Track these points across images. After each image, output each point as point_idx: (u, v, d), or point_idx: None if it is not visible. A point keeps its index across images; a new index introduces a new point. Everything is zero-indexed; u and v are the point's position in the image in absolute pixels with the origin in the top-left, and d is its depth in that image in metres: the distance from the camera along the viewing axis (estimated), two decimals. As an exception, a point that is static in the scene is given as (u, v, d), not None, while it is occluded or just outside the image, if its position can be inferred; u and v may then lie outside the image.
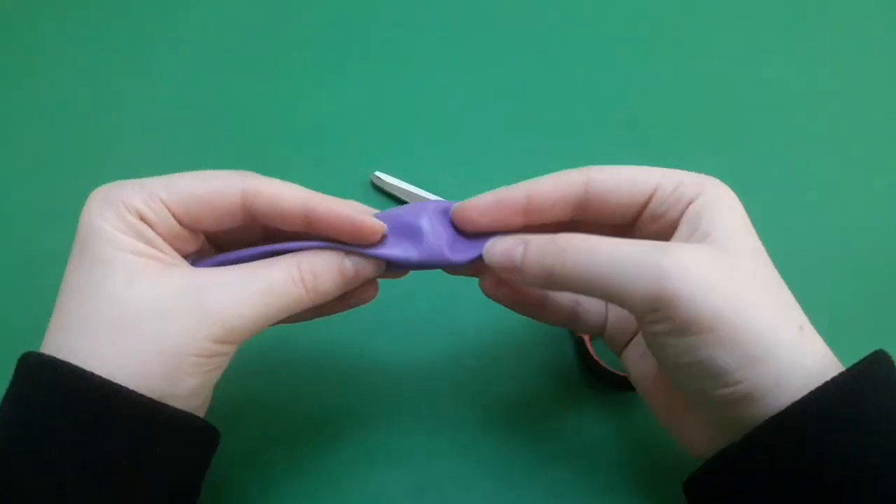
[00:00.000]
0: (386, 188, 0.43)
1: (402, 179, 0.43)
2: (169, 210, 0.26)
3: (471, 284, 0.31)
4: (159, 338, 0.24)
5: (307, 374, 0.37)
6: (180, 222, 0.26)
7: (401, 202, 0.43)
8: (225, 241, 0.30)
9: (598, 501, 0.34)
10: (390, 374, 0.37)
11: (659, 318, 0.25)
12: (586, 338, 0.37)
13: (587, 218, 0.29)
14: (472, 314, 0.39)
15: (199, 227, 0.27)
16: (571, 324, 0.32)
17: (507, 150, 0.46)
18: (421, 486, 0.35)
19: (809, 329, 0.26)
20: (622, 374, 0.35)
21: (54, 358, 0.24)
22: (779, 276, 0.27)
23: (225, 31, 0.50)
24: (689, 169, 0.29)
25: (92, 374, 0.23)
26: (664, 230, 0.28)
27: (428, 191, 0.43)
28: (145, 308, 0.24)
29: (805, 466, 0.24)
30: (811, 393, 0.24)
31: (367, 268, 0.28)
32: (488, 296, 0.31)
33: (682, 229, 0.27)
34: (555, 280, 0.26)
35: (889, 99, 0.48)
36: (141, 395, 0.24)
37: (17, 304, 0.39)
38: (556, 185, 0.28)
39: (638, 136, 0.47)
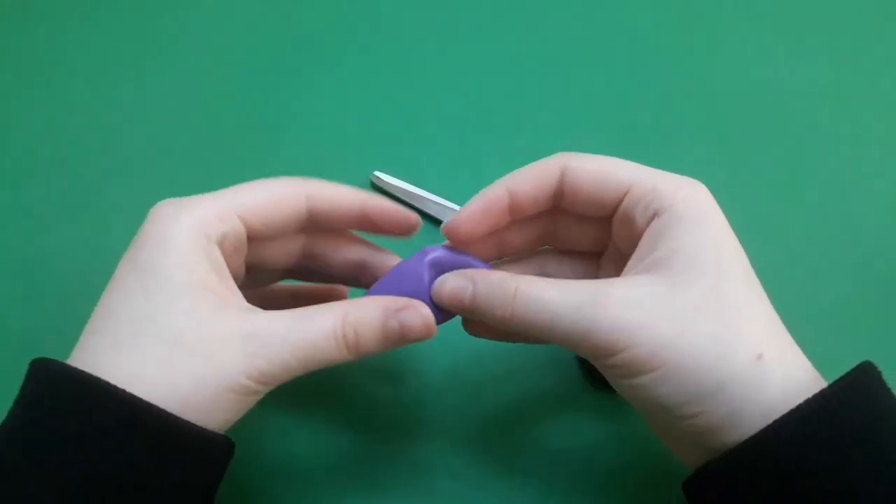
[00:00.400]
0: (386, 188, 0.43)
1: (402, 179, 0.43)
2: (244, 223, 0.27)
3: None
4: (202, 373, 0.24)
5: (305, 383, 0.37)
6: (250, 233, 0.28)
7: (401, 202, 0.43)
8: (262, 257, 0.30)
9: None
10: (388, 376, 0.37)
11: (607, 365, 0.25)
12: None
13: (566, 209, 0.29)
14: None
15: (265, 233, 0.28)
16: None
17: (506, 150, 0.46)
18: (418, 488, 0.34)
19: (775, 355, 0.25)
20: None
21: (77, 369, 0.24)
22: (750, 293, 0.26)
23: (224, 31, 0.50)
24: (688, 169, 0.28)
25: (116, 388, 0.23)
26: (632, 239, 0.28)
27: (428, 191, 0.43)
28: (193, 342, 0.24)
29: (786, 488, 0.23)
30: (789, 413, 0.23)
31: (414, 330, 0.27)
32: (472, 334, 0.31)
33: (642, 245, 0.27)
34: (507, 326, 0.26)
35: (890, 98, 0.48)
36: (166, 412, 0.24)
37: (16, 304, 0.39)
38: (535, 177, 0.28)
39: (637, 136, 0.47)
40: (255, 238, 0.28)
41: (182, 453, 0.24)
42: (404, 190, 0.43)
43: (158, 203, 0.27)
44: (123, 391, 0.23)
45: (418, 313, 0.27)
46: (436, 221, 0.42)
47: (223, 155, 0.45)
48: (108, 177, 0.44)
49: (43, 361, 0.25)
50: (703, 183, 0.28)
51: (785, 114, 0.48)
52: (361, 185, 0.43)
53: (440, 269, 0.29)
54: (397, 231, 0.30)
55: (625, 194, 0.27)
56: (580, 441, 0.36)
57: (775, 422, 0.23)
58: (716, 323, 0.24)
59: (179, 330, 0.24)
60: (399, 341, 0.27)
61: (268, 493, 0.34)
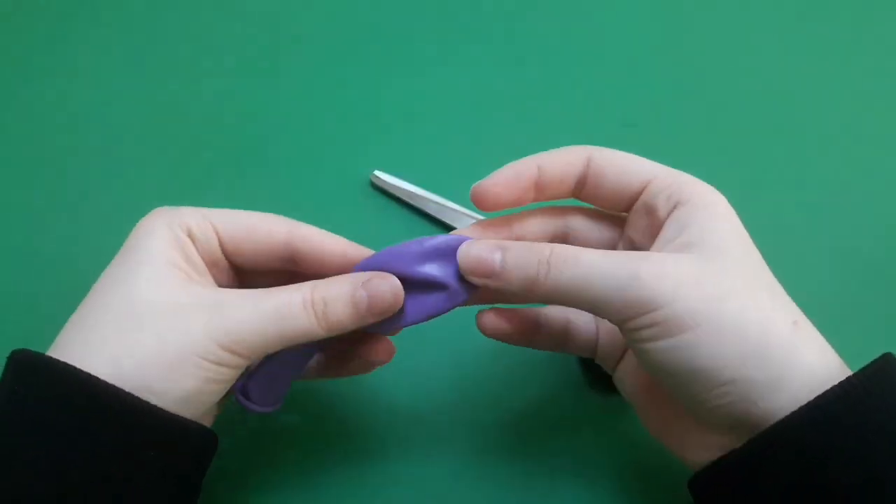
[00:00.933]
0: (386, 188, 0.43)
1: (402, 179, 0.43)
2: (216, 233, 0.28)
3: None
4: (165, 334, 0.24)
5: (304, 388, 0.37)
6: (223, 248, 0.28)
7: (401, 202, 0.43)
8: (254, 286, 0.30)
9: None
10: (388, 380, 0.37)
11: (640, 325, 0.25)
12: None
13: (585, 198, 0.30)
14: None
15: (239, 258, 0.28)
16: (564, 346, 0.32)
17: (506, 150, 0.45)
18: (420, 492, 0.34)
19: (805, 324, 0.25)
20: None
21: (45, 356, 0.24)
22: (772, 277, 0.27)
23: (225, 31, 0.50)
24: (689, 168, 0.29)
25: (84, 374, 0.23)
26: (651, 229, 0.28)
27: (428, 190, 0.43)
28: (157, 306, 0.25)
29: (808, 478, 0.23)
30: (816, 399, 0.23)
31: (382, 298, 0.27)
32: (487, 332, 0.30)
33: (668, 230, 0.27)
34: (537, 288, 0.26)
35: (890, 97, 0.48)
36: (134, 397, 0.24)
37: (16, 304, 0.39)
38: (564, 159, 0.29)
39: (637, 136, 0.47)
40: (230, 258, 0.29)
41: (144, 433, 0.24)
42: (404, 189, 0.43)
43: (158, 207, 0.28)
44: (77, 370, 0.23)
45: (386, 282, 0.27)
46: (435, 221, 0.42)
47: (222, 155, 0.45)
48: (108, 177, 0.44)
49: (18, 352, 0.25)
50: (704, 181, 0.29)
51: (785, 113, 0.48)
52: (361, 185, 0.43)
53: (436, 254, 0.28)
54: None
55: (645, 186, 0.28)
56: (580, 442, 0.36)
57: (801, 407, 0.23)
58: (755, 290, 0.25)
59: (144, 300, 0.25)
60: (367, 311, 0.27)
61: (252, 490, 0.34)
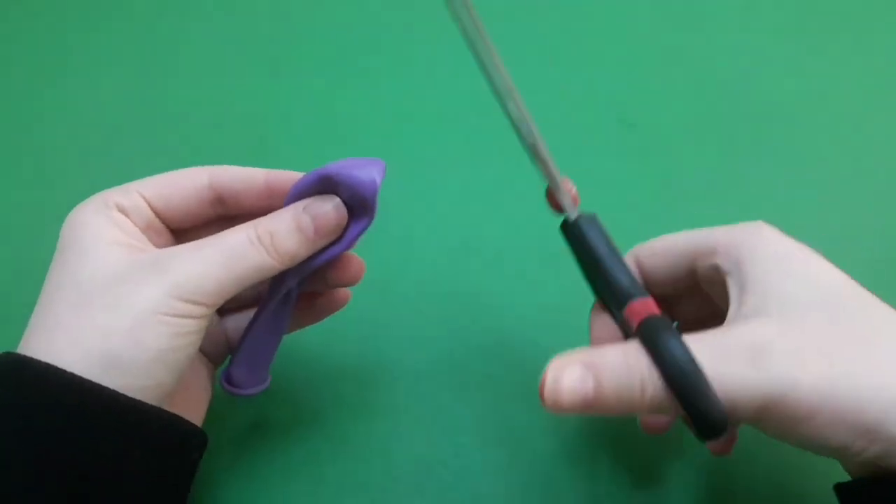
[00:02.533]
0: None
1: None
2: (144, 198, 0.27)
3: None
4: (120, 300, 0.24)
5: (303, 372, 0.37)
6: (154, 210, 0.28)
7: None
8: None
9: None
10: (390, 369, 0.37)
11: (765, 425, 0.23)
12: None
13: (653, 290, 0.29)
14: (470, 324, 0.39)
15: (171, 214, 0.28)
16: None
17: (505, 149, 0.46)
18: (421, 489, 0.34)
19: None
20: None
21: (21, 356, 0.24)
22: (859, 299, 0.24)
23: (227, 31, 0.50)
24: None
25: (59, 370, 0.23)
26: (721, 297, 0.26)
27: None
28: (107, 278, 0.24)
29: None
30: None
31: (326, 218, 0.27)
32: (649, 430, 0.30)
33: (732, 308, 0.25)
34: (642, 408, 0.23)
35: (891, 96, 0.49)
36: (113, 392, 0.23)
37: (16, 303, 0.39)
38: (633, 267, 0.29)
39: (637, 136, 0.47)
40: (169, 220, 0.29)
41: (130, 431, 0.24)
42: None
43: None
44: (58, 369, 0.23)
45: (327, 202, 0.27)
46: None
47: (223, 154, 0.45)
48: (107, 178, 0.44)
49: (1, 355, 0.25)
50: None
51: (785, 113, 0.48)
52: None
53: (333, 182, 0.27)
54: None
55: (691, 269, 0.27)
56: (583, 443, 0.36)
57: None
58: (853, 345, 0.23)
59: (92, 279, 0.24)
60: (315, 234, 0.27)
61: (247, 482, 0.34)
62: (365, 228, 0.28)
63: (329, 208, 0.27)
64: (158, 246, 0.28)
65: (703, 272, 0.27)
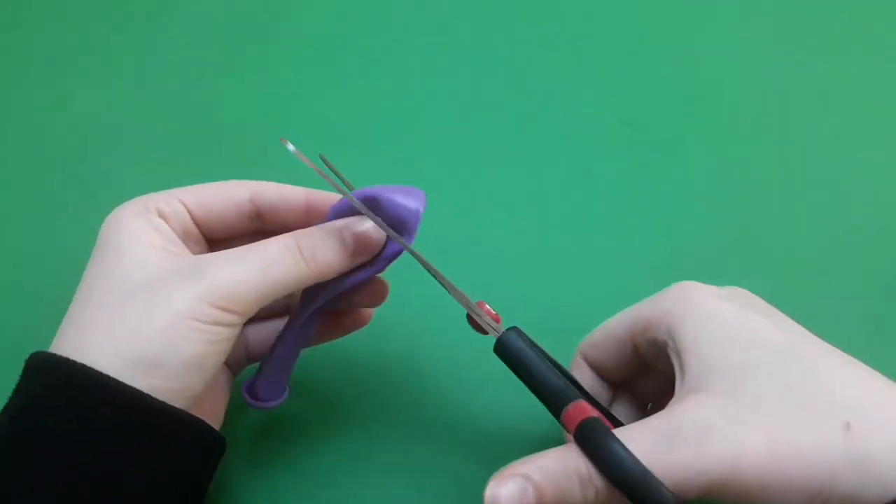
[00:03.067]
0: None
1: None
2: (184, 206, 0.28)
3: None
4: (155, 302, 0.24)
5: (310, 376, 0.37)
6: (194, 218, 0.28)
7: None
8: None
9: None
10: (390, 372, 0.37)
11: (721, 500, 0.23)
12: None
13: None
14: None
15: (210, 224, 0.29)
16: None
17: (506, 149, 0.46)
18: (421, 490, 0.34)
19: (862, 420, 0.22)
20: None
21: (55, 355, 0.24)
22: (802, 353, 0.24)
23: (230, 31, 0.50)
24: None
25: (93, 370, 0.23)
26: (670, 369, 0.26)
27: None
28: (143, 279, 0.25)
29: None
30: None
31: (366, 234, 0.27)
32: None
33: (678, 376, 0.25)
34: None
35: (892, 96, 0.49)
36: (143, 394, 0.23)
37: (16, 304, 0.39)
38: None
39: (637, 136, 0.47)
40: (207, 231, 0.29)
41: (156, 432, 0.24)
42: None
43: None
44: (88, 368, 0.23)
45: (367, 221, 0.27)
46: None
47: (223, 153, 0.45)
48: (108, 177, 0.44)
49: (35, 353, 0.25)
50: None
51: (784, 112, 0.48)
52: None
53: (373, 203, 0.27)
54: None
55: (633, 341, 0.27)
56: None
57: None
58: (792, 415, 0.22)
59: (129, 280, 0.25)
60: (355, 248, 0.27)
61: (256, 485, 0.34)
62: (399, 253, 0.28)
63: (369, 227, 0.27)
64: (195, 254, 0.28)
65: (644, 350, 0.27)
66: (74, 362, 0.23)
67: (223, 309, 0.25)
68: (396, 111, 0.47)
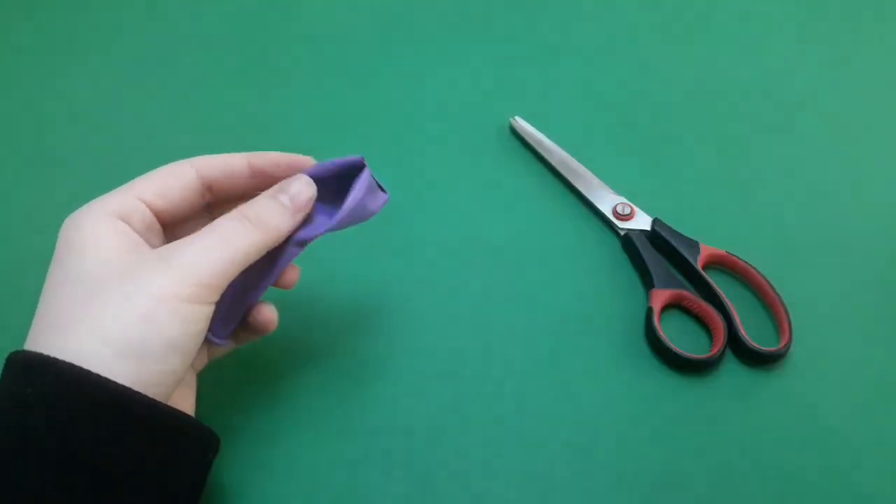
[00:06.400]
0: (522, 133, 0.45)
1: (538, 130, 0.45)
2: (143, 202, 0.28)
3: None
4: (132, 290, 0.25)
5: (305, 368, 0.37)
6: (154, 211, 0.29)
7: (530, 149, 0.45)
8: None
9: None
10: (391, 371, 0.37)
11: None
12: (655, 312, 0.37)
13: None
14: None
15: (170, 210, 0.29)
16: None
17: (506, 148, 0.46)
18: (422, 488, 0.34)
19: None
20: (687, 354, 0.36)
21: (41, 355, 0.24)
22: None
23: (230, 31, 0.50)
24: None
25: (84, 370, 0.23)
26: None
27: (560, 145, 0.45)
28: (114, 272, 0.25)
29: None
30: None
31: (300, 192, 0.29)
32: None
33: None
34: None
35: (891, 97, 0.49)
36: (136, 392, 0.24)
37: (17, 303, 0.39)
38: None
39: (637, 136, 0.47)
40: (166, 218, 0.30)
41: (152, 431, 0.24)
42: (536, 138, 0.45)
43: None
44: (81, 369, 0.23)
45: (298, 180, 0.29)
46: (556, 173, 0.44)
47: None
48: (108, 178, 0.43)
49: (14, 352, 0.25)
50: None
51: (784, 112, 0.48)
52: (499, 129, 0.46)
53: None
54: (286, 174, 0.31)
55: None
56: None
57: None
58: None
59: (95, 272, 0.25)
60: (294, 207, 0.29)
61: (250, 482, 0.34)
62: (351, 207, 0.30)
63: (301, 184, 0.29)
64: (155, 247, 0.28)
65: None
66: (64, 362, 0.23)
67: (197, 285, 0.25)
68: (396, 110, 0.47)
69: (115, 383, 0.23)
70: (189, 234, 0.28)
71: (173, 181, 0.29)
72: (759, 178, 0.45)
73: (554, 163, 0.44)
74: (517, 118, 0.46)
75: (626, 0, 0.54)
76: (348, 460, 0.34)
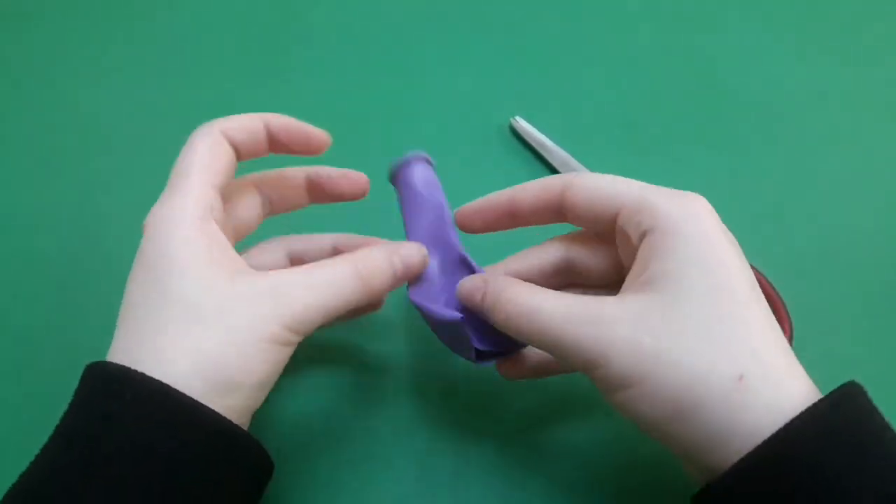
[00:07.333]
0: (521, 133, 0.46)
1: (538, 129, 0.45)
2: (214, 187, 0.28)
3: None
4: (233, 324, 0.24)
5: (307, 375, 0.37)
6: (239, 148, 0.30)
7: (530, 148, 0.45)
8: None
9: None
10: (392, 368, 0.37)
11: (593, 379, 0.26)
12: None
13: (572, 222, 0.30)
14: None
15: (249, 148, 0.30)
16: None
17: (506, 148, 0.46)
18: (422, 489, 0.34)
19: (759, 375, 0.23)
20: None
21: (138, 372, 0.23)
22: (741, 312, 0.24)
23: (231, 32, 0.50)
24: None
25: (180, 393, 0.23)
26: (631, 257, 0.27)
27: (560, 145, 0.45)
28: (216, 302, 0.25)
29: None
30: (741, 462, 0.22)
31: (412, 264, 0.29)
32: (508, 378, 0.32)
33: (636, 266, 0.27)
34: (510, 330, 0.27)
35: (891, 97, 0.49)
36: (224, 419, 0.24)
37: (17, 303, 0.39)
38: (537, 192, 0.30)
39: (637, 136, 0.47)
40: (242, 156, 0.30)
41: (229, 457, 0.24)
42: (537, 139, 0.45)
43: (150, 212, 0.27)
44: (176, 391, 0.23)
45: (416, 250, 0.30)
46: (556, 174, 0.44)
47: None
48: (109, 177, 0.44)
49: (94, 364, 0.25)
50: (702, 187, 0.28)
51: (784, 112, 0.48)
52: (499, 129, 0.47)
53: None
54: (303, 146, 0.32)
55: (618, 212, 0.28)
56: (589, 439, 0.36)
57: (726, 473, 0.23)
58: (699, 341, 0.24)
59: (198, 302, 0.25)
60: (403, 275, 0.29)
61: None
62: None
63: (416, 255, 0.30)
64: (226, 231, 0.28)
65: (622, 229, 0.28)
66: (162, 383, 0.23)
67: (294, 331, 0.26)
68: (396, 110, 0.47)
69: (207, 408, 0.24)
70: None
71: (219, 164, 0.29)
72: (759, 179, 0.45)
73: (555, 163, 0.44)
74: (517, 118, 0.46)
75: (626, 0, 0.54)
76: (349, 460, 0.34)
